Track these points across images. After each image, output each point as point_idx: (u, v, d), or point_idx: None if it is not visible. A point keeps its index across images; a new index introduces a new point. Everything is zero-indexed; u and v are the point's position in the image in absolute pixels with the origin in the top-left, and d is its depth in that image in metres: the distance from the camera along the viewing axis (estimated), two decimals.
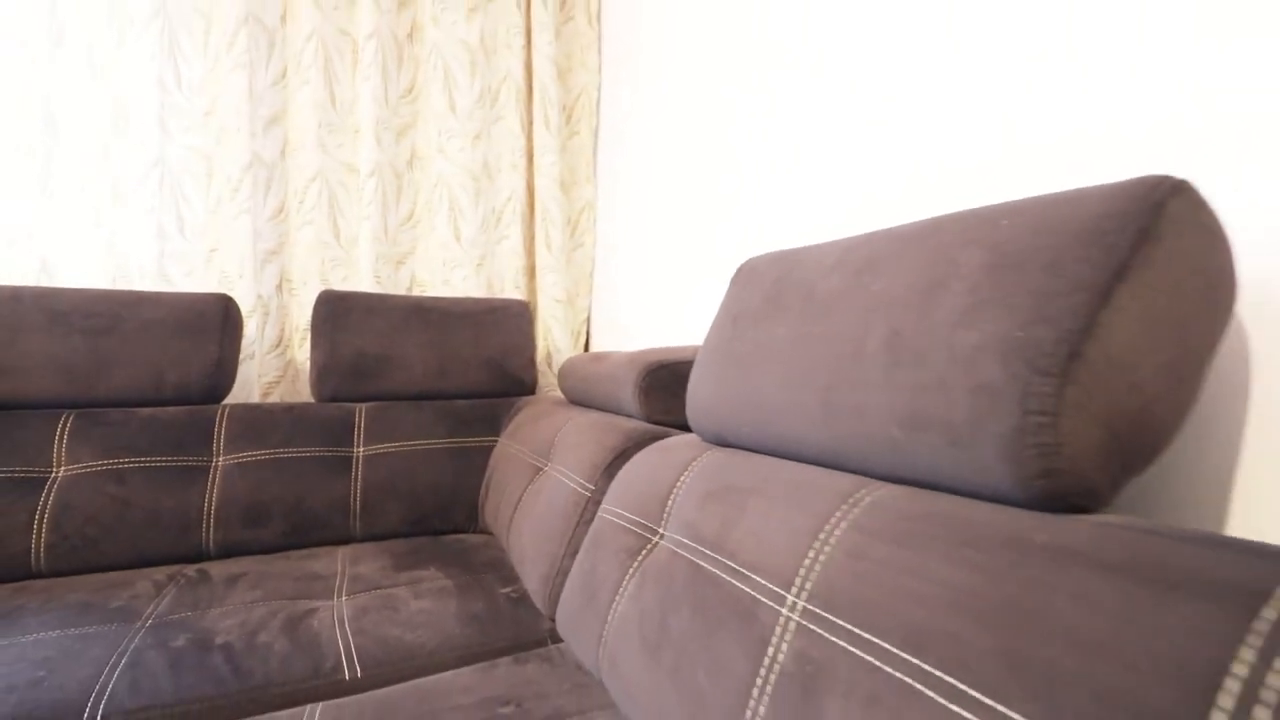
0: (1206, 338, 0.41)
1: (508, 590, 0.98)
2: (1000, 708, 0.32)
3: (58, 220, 1.35)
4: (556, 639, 0.86)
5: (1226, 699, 0.26)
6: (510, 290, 1.75)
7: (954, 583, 0.37)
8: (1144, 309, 0.39)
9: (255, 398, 1.49)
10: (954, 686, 0.34)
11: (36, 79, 1.33)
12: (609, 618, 0.68)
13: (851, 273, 0.55)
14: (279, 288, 1.55)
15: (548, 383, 1.78)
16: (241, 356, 1.47)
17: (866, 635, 0.40)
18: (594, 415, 1.07)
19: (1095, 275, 0.39)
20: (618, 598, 0.68)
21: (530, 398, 1.47)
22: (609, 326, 1.75)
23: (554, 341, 1.77)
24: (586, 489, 0.89)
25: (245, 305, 1.47)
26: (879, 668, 0.38)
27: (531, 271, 1.80)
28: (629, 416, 1.02)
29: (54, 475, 1.07)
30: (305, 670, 0.76)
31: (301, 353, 1.57)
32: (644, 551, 0.69)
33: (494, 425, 1.40)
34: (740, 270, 0.73)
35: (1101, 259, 0.40)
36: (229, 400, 1.39)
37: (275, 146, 1.54)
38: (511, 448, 1.25)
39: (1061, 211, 0.44)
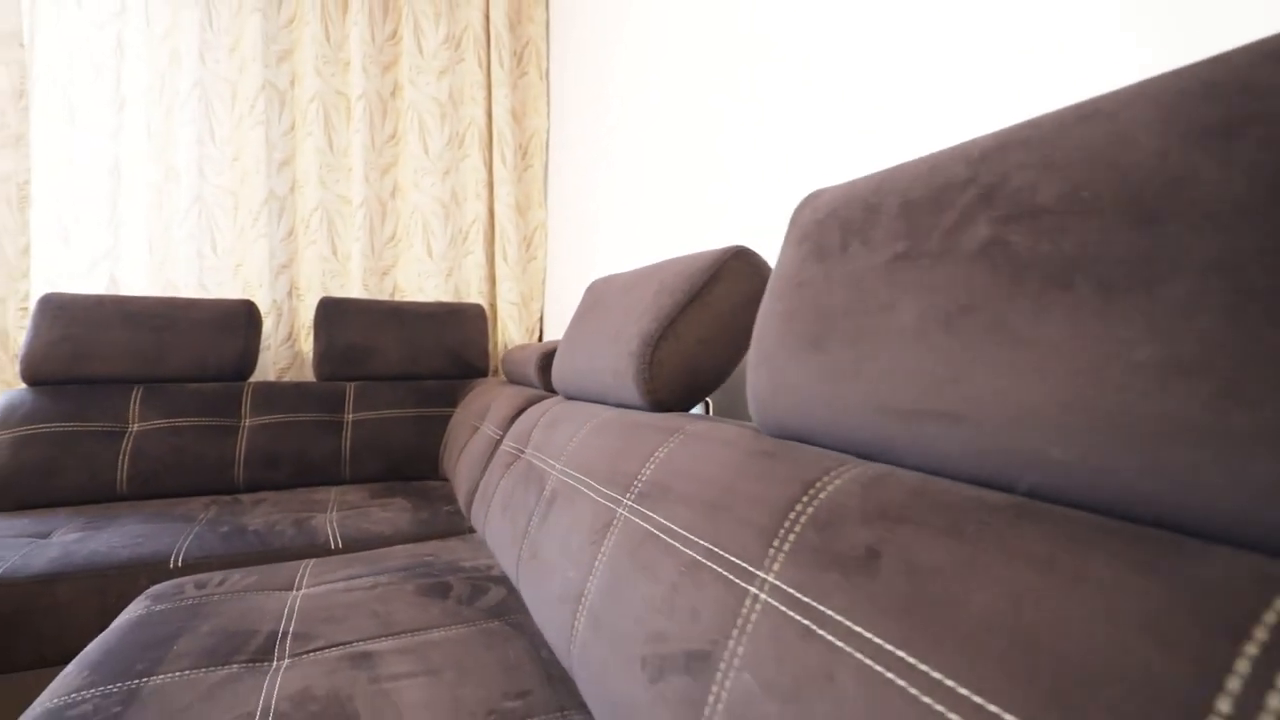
0: (743, 328, 0.82)
1: (449, 509, 1.41)
2: (600, 488, 0.73)
3: (124, 246, 1.79)
4: (473, 531, 1.28)
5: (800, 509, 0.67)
6: (474, 295, 2.18)
7: (599, 443, 0.79)
8: (703, 312, 0.80)
9: (271, 377, 1.93)
10: (586, 482, 0.76)
11: (107, 141, 1.77)
12: (490, 501, 1.10)
13: (621, 291, 0.97)
14: (289, 294, 1.98)
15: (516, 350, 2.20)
16: (261, 347, 1.90)
17: (580, 477, 0.81)
18: (514, 389, 1.50)
19: (683, 296, 0.81)
20: (496, 490, 1.10)
21: (483, 379, 1.90)
22: (560, 323, 2.17)
23: (509, 336, 2.19)
24: (497, 434, 1.31)
25: (264, 308, 1.90)
26: (571, 483, 0.80)
27: (492, 280, 2.23)
28: (533, 387, 1.44)
29: (130, 429, 1.50)
30: (305, 544, 1.19)
31: (306, 344, 2.00)
32: (514, 463, 1.10)
33: (452, 400, 1.82)
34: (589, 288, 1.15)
35: (687, 288, 0.81)
36: (253, 379, 1.82)
37: (286, 184, 1.97)
38: (462, 415, 1.67)
39: (688, 264, 0.85)
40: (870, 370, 0.43)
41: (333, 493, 1.54)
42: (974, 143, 0.41)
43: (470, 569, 1.01)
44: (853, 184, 0.52)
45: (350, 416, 1.70)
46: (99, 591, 1.02)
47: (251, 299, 1.84)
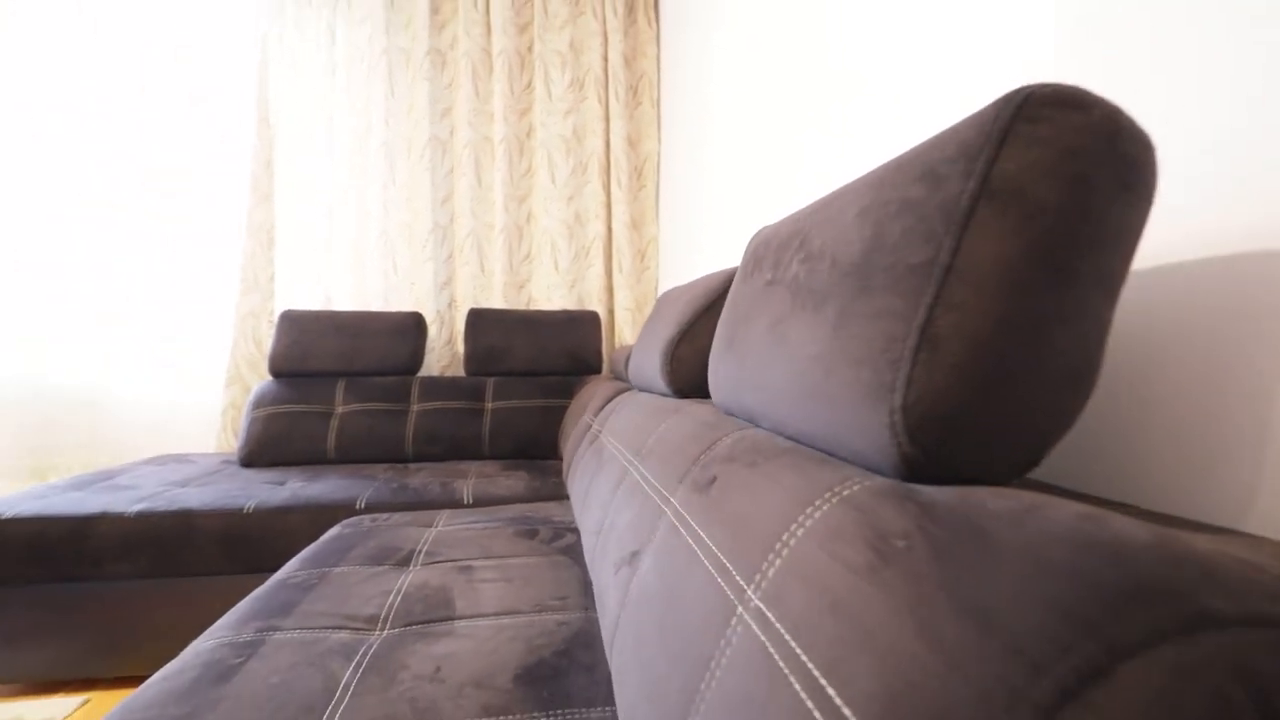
0: None
1: (556, 480, 1.72)
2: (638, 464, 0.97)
3: (333, 271, 2.34)
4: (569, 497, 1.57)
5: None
6: (594, 303, 2.50)
7: (631, 420, 1.02)
8: (714, 319, 1.00)
9: (435, 372, 2.39)
10: (617, 448, 0.99)
11: (321, 194, 2.33)
12: (575, 470, 1.38)
13: (671, 302, 1.19)
14: (449, 305, 2.44)
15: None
16: (428, 348, 2.37)
17: (616, 445, 1.05)
18: (612, 384, 1.77)
19: (700, 306, 1.01)
20: (579, 461, 1.37)
21: (596, 376, 2.20)
22: None
23: (624, 338, 2.48)
24: (591, 420, 1.59)
25: (430, 317, 2.37)
26: (610, 449, 1.04)
27: (609, 290, 2.54)
28: (625, 382, 1.70)
29: (336, 411, 2.00)
30: (446, 499, 1.55)
31: (461, 346, 2.44)
32: (594, 441, 1.37)
33: (570, 393, 2.15)
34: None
35: (704, 300, 1.02)
36: (420, 374, 2.29)
37: (446, 216, 2.43)
38: (575, 406, 1.98)
39: (711, 280, 1.05)
40: (746, 362, 0.62)
41: (474, 465, 1.92)
42: (814, 204, 0.59)
43: (557, 522, 1.30)
44: (775, 224, 0.71)
45: (489, 405, 2.09)
46: (312, 521, 1.46)
47: (420, 311, 2.30)
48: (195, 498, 1.49)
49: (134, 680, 1.45)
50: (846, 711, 0.27)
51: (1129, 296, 0.52)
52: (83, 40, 2.23)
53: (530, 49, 2.48)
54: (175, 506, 1.43)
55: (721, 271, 1.05)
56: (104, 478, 1.71)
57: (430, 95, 2.38)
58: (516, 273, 2.46)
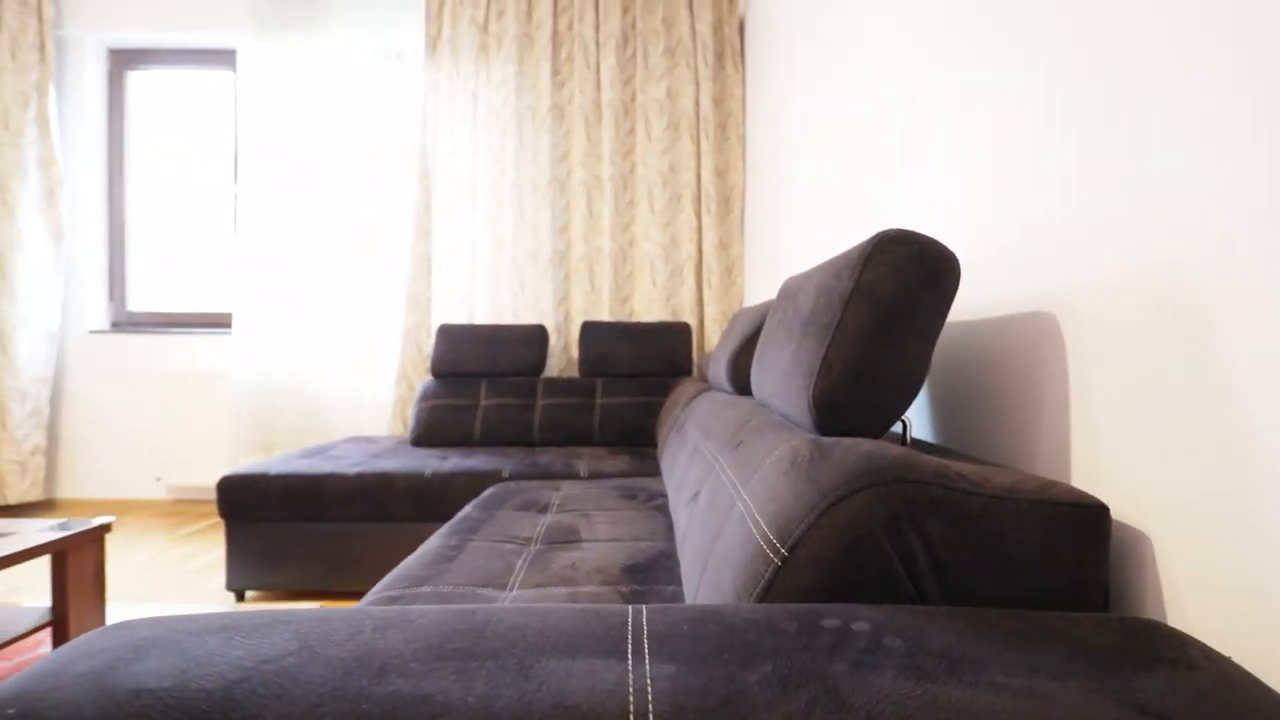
0: None
1: (651, 461, 2.12)
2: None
3: (476, 290, 2.88)
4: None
5: None
6: (687, 315, 2.88)
7: (708, 413, 1.40)
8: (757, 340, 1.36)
9: (555, 374, 2.88)
10: (694, 433, 1.37)
11: (467, 229, 2.88)
12: (667, 454, 1.77)
13: (736, 320, 1.56)
14: (565, 318, 2.92)
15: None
16: (549, 354, 2.85)
17: (693, 431, 1.43)
18: (700, 384, 2.15)
19: (752, 328, 1.38)
20: (668, 443, 1.76)
21: (686, 378, 2.59)
22: None
23: (712, 345, 2.85)
24: (679, 413, 1.98)
25: (550, 328, 2.85)
26: (688, 433, 1.42)
27: (700, 303, 2.91)
28: (706, 383, 2.07)
29: (480, 404, 2.52)
30: (567, 472, 2.00)
31: (575, 352, 2.91)
32: (680, 430, 1.75)
33: (665, 392, 2.55)
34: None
35: (755, 321, 1.38)
36: (544, 375, 2.78)
37: (563, 243, 2.91)
38: (669, 403, 2.38)
39: (759, 308, 1.41)
40: (765, 372, 0.99)
41: (586, 449, 2.37)
42: (812, 269, 0.95)
43: (652, 490, 1.70)
44: (797, 277, 1.06)
45: (599, 401, 2.53)
46: (471, 484, 1.95)
47: (543, 324, 2.79)
48: (391, 465, 2.03)
49: (353, 595, 2.00)
50: (762, 525, 0.64)
51: (982, 329, 0.83)
52: (313, 117, 2.92)
53: (633, 99, 2.91)
54: (379, 470, 1.98)
55: (768, 302, 1.40)
56: (321, 451, 2.31)
57: (551, 143, 2.86)
58: (621, 289, 2.90)
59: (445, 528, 1.37)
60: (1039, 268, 0.75)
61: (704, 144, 2.85)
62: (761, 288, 2.55)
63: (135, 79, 3.23)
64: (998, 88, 0.84)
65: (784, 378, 0.83)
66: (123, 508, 3.10)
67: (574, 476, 1.99)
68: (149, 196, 3.24)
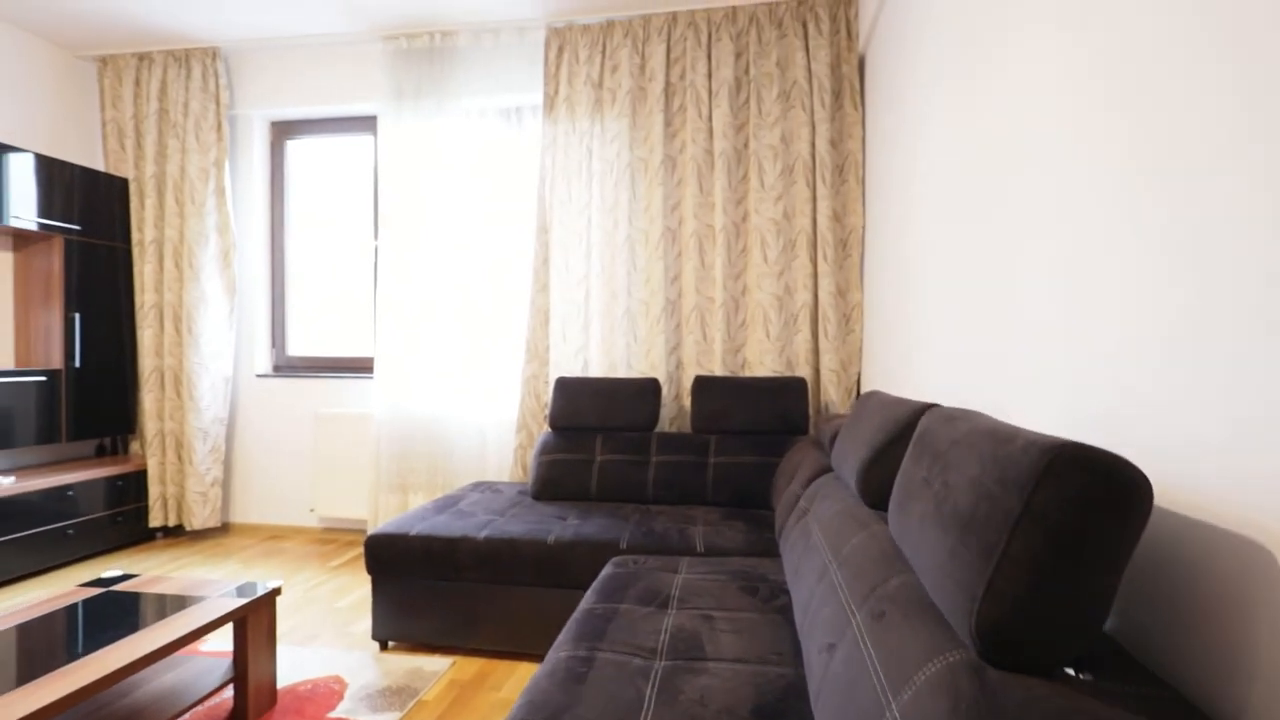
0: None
1: (769, 535, 2.08)
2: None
3: (590, 340, 2.96)
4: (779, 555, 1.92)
5: None
6: (801, 364, 2.80)
7: (831, 523, 1.35)
8: (899, 447, 1.29)
9: (666, 423, 2.90)
10: (820, 540, 1.32)
11: (581, 279, 2.96)
12: (787, 537, 1.72)
13: (862, 415, 1.49)
14: (677, 367, 2.93)
15: (824, 417, 2.76)
16: (661, 403, 2.88)
17: (820, 538, 1.38)
18: (817, 455, 2.08)
19: (888, 436, 1.31)
20: (790, 531, 1.72)
21: (803, 436, 2.51)
22: (877, 381, 2.63)
23: (829, 396, 2.75)
24: (799, 490, 1.92)
25: (661, 378, 2.88)
26: (813, 538, 1.37)
27: (815, 352, 2.82)
28: (824, 452, 2.00)
29: (597, 460, 2.59)
30: (684, 546, 2.00)
31: (686, 402, 2.92)
32: (802, 518, 1.70)
33: (780, 451, 2.49)
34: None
35: (892, 430, 1.31)
36: (657, 429, 2.80)
37: (675, 292, 2.92)
38: (785, 465, 2.32)
39: (896, 411, 1.34)
40: (908, 531, 0.93)
41: (700, 511, 2.36)
42: (947, 415, 0.89)
43: (773, 581, 1.66)
44: (943, 415, 1.00)
45: (713, 460, 2.52)
46: (591, 553, 2.00)
47: (656, 376, 2.81)
48: (516, 528, 2.13)
49: (482, 652, 2.12)
50: None
51: (1179, 527, 0.74)
52: (442, 175, 3.13)
53: (746, 146, 2.87)
54: (505, 535, 2.08)
55: (908, 406, 1.33)
56: (452, 503, 2.46)
57: (663, 194, 2.88)
58: (733, 339, 2.87)
59: (574, 627, 1.41)
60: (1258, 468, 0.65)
61: (820, 187, 2.76)
62: (884, 337, 2.42)
63: (292, 147, 3.60)
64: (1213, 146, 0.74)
65: (938, 571, 0.78)
66: (282, 533, 3.47)
67: (690, 551, 1.99)
68: (304, 251, 3.61)
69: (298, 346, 3.60)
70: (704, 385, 2.64)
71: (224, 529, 3.52)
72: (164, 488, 3.33)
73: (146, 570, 2.94)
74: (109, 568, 2.97)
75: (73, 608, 1.61)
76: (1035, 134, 1.15)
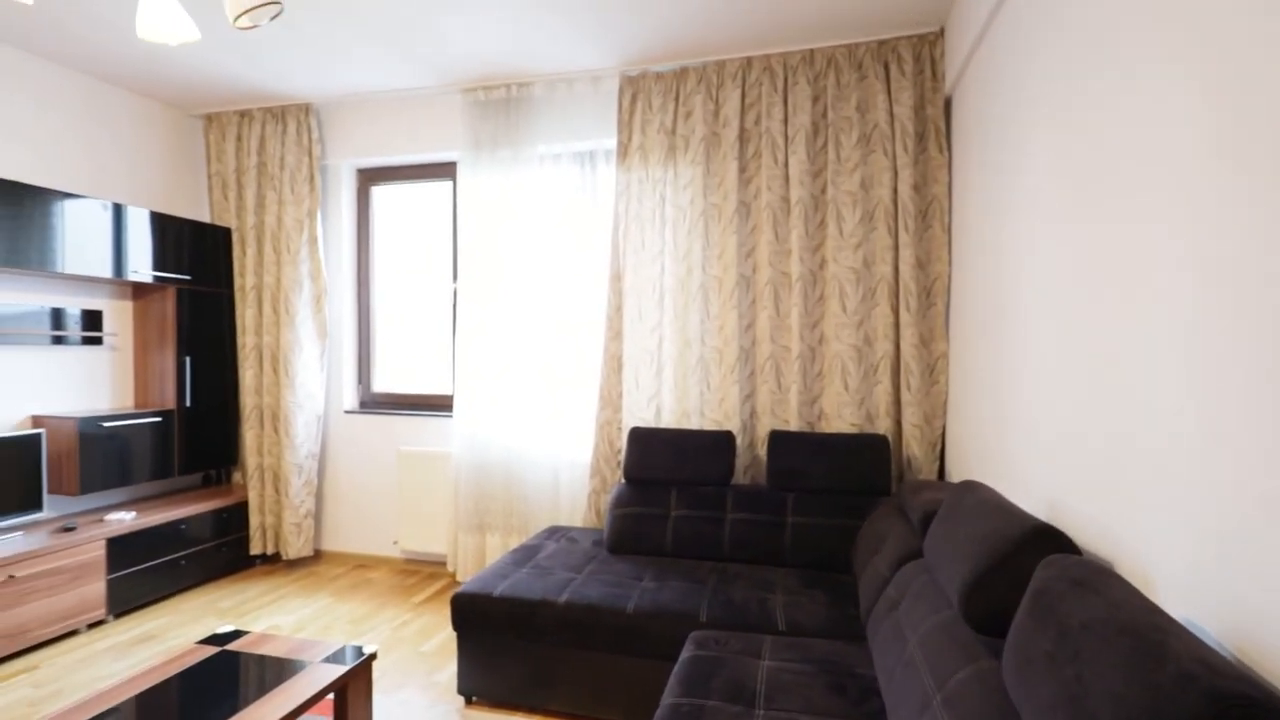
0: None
1: (853, 612, 2.02)
2: None
3: (663, 388, 2.96)
4: (865, 638, 1.86)
5: None
6: (882, 417, 2.71)
7: (933, 644, 1.30)
8: (1010, 573, 1.23)
9: (740, 472, 2.87)
10: (920, 661, 1.28)
11: (654, 327, 2.96)
12: (877, 631, 1.67)
13: (966, 517, 1.43)
14: (751, 416, 2.89)
15: (910, 482, 2.66)
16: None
17: (918, 656, 1.33)
18: (903, 528, 2.01)
19: (996, 558, 1.25)
20: (882, 625, 1.67)
21: (885, 498, 2.44)
22: (963, 438, 2.52)
23: (911, 452, 2.65)
24: (886, 573, 1.86)
25: (734, 428, 2.85)
26: (912, 655, 1.32)
27: (897, 405, 2.72)
28: (910, 521, 1.92)
29: (671, 515, 2.59)
30: (764, 620, 1.98)
31: (761, 451, 2.88)
32: (892, 610, 1.65)
33: (860, 513, 2.42)
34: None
35: (1002, 550, 1.25)
36: (732, 481, 2.78)
37: (749, 340, 2.89)
38: (867, 531, 2.25)
39: (1006, 524, 1.28)
40: (1032, 703, 0.89)
41: (778, 575, 2.32)
42: (1088, 616, 0.84)
43: (861, 676, 1.62)
44: (1050, 570, 0.94)
45: (790, 519, 2.48)
46: (670, 623, 2.01)
47: (729, 427, 2.79)
48: (594, 591, 2.16)
49: (563, 715, 2.16)
50: None
51: None
52: (518, 221, 3.21)
53: (823, 192, 2.80)
54: (584, 600, 2.11)
55: (1016, 524, 1.26)
56: (529, 555, 2.52)
57: (737, 241, 2.85)
58: (809, 390, 2.81)
59: None
60: None
61: (903, 234, 2.66)
62: (973, 392, 2.31)
63: (377, 192, 3.76)
64: None
65: None
66: (369, 563, 3.64)
67: (772, 629, 1.96)
68: (388, 292, 3.77)
69: (382, 383, 3.77)
70: (781, 441, 2.60)
71: (316, 557, 3.73)
72: (263, 518, 3.56)
73: (249, 599, 3.15)
74: (216, 596, 3.19)
75: (193, 671, 1.73)
76: (1158, 178, 1.07)
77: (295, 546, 3.51)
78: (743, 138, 2.87)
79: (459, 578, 3.27)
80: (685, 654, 1.77)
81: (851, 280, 2.74)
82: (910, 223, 2.65)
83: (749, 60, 2.86)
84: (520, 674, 2.16)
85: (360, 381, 3.77)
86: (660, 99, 2.96)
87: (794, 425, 2.77)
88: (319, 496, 3.73)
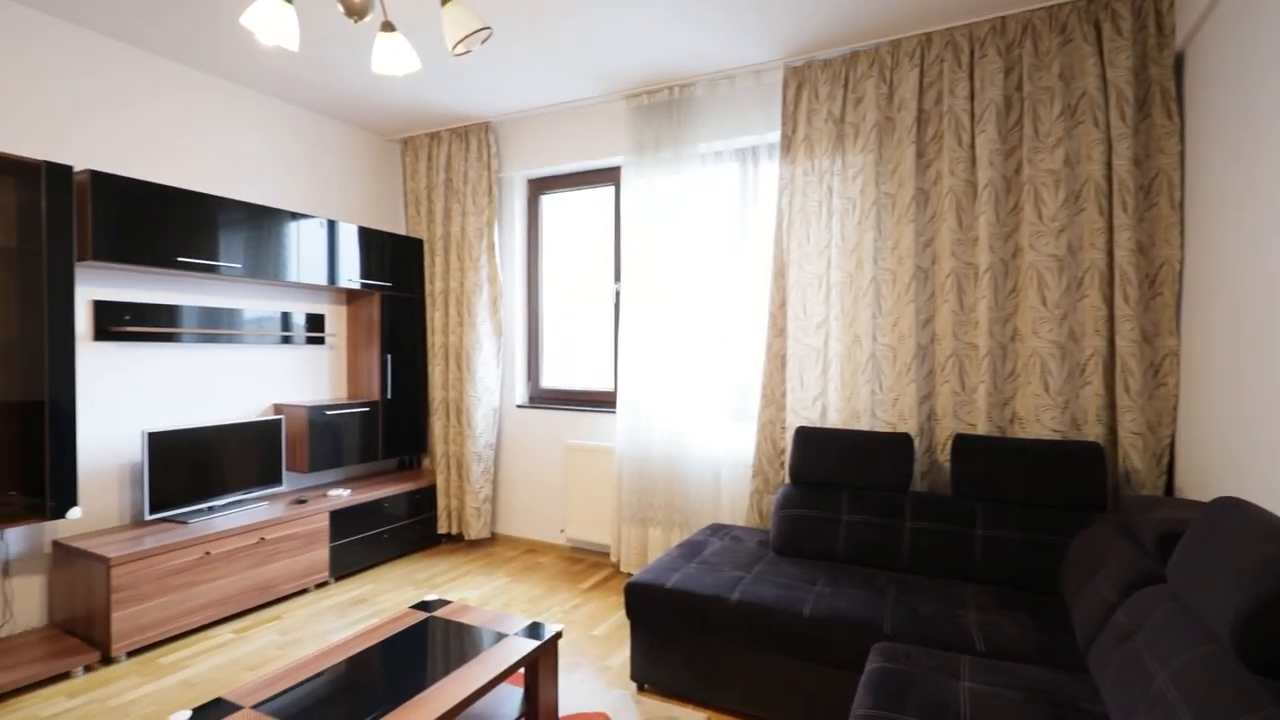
0: None
1: (1065, 639, 1.81)
2: None
3: (829, 387, 2.85)
4: (1085, 670, 1.65)
5: None
6: (1091, 424, 2.40)
7: (1192, 688, 1.12)
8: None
9: (916, 479, 2.68)
10: (1176, 703, 1.10)
11: (819, 323, 2.86)
12: (1105, 664, 1.48)
13: (1232, 540, 1.22)
14: (929, 418, 2.70)
15: (1132, 497, 2.33)
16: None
17: (1175, 699, 1.15)
18: (1129, 548, 1.76)
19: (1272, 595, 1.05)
20: (1112, 659, 1.47)
21: (1100, 515, 2.15)
22: (1195, 447, 2.16)
23: (1131, 463, 2.32)
24: (1113, 598, 1.64)
25: (911, 430, 2.67)
26: (1165, 699, 1.15)
27: (1111, 409, 2.40)
28: (1137, 540, 1.67)
29: (843, 519, 2.48)
30: (958, 638, 1.82)
31: (940, 456, 2.67)
32: (1125, 641, 1.45)
33: (1067, 528, 2.16)
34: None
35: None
36: (910, 488, 2.61)
37: (927, 338, 2.69)
38: (1079, 551, 2.00)
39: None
40: None
41: (968, 590, 2.14)
42: None
43: (1087, 711, 1.44)
44: None
45: (980, 532, 2.27)
46: (848, 633, 1.92)
47: (908, 432, 2.62)
48: (766, 592, 2.12)
49: (735, 712, 2.15)
50: None
51: None
52: (679, 219, 3.27)
53: (1017, 173, 2.54)
54: (757, 600, 2.08)
55: None
56: (694, 550, 2.54)
57: (914, 231, 2.67)
58: (1000, 391, 2.56)
59: None
60: None
61: (1119, 215, 2.34)
62: (1217, 395, 1.98)
63: (547, 201, 4.00)
64: None
65: None
66: (538, 548, 3.89)
67: (967, 648, 1.81)
68: (554, 293, 4.00)
69: (549, 380, 4.00)
70: (969, 445, 2.39)
71: (492, 539, 4.05)
72: (448, 501, 3.93)
73: (438, 573, 3.48)
74: (411, 569, 3.57)
75: (410, 631, 1.94)
76: None
77: (475, 528, 3.83)
78: (921, 120, 2.68)
79: (623, 568, 3.39)
80: (872, 665, 1.68)
81: (1053, 269, 2.45)
82: (1129, 201, 2.32)
83: (928, 37, 2.66)
84: (691, 667, 2.19)
85: (529, 378, 4.04)
86: (828, 87, 2.85)
87: (981, 429, 2.54)
88: (495, 483, 4.04)
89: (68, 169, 2.42)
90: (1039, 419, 2.48)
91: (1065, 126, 2.44)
